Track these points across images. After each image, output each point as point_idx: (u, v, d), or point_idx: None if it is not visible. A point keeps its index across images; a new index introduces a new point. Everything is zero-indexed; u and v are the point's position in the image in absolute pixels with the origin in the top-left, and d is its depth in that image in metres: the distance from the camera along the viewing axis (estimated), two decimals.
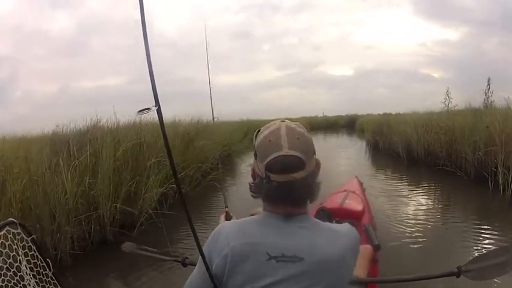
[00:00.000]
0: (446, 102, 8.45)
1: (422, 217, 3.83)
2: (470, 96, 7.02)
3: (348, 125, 23.89)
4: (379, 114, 15.92)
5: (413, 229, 3.41)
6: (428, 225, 3.57)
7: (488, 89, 7.51)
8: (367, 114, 19.64)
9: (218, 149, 7.74)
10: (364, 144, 11.80)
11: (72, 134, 4.41)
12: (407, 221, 3.67)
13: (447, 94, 8.49)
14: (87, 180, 3.48)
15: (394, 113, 12.54)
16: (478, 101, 6.98)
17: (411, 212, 4.05)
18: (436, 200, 4.80)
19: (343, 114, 28.68)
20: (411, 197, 4.85)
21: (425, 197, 4.88)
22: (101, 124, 4.89)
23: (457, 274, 1.01)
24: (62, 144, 3.98)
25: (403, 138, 7.69)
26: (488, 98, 7.47)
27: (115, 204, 3.59)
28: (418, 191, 5.14)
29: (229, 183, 6.47)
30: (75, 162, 3.57)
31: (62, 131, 4.66)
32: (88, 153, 3.78)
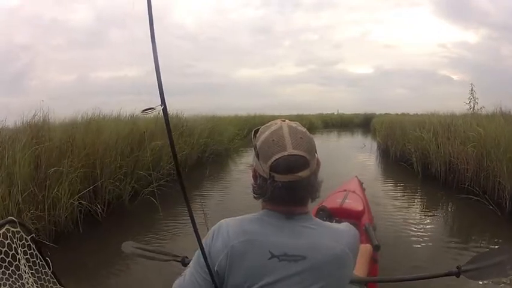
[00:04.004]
0: (472, 104, 6.80)
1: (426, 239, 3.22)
2: (499, 100, 5.56)
3: (363, 124, 22.47)
4: (397, 114, 14.89)
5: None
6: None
7: None
8: (385, 114, 18.74)
9: (192, 151, 6.59)
10: (375, 147, 10.24)
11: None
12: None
13: (472, 93, 6.84)
14: None
15: (412, 113, 11.01)
16: (508, 106, 5.56)
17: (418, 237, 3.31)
18: (452, 232, 3.57)
19: (361, 112, 26.95)
20: (421, 220, 3.88)
21: (438, 223, 3.81)
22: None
23: (457, 274, 1.01)
24: None
25: (419, 146, 6.17)
26: None
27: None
28: (430, 214, 4.11)
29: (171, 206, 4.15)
30: None
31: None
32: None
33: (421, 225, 3.65)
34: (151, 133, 5.26)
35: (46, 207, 3.37)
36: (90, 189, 3.94)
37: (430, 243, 3.18)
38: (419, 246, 3.11)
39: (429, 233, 3.44)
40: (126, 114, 6.04)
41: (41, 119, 4.14)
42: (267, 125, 0.73)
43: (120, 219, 4.02)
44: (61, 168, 3.52)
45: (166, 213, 3.98)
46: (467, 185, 4.27)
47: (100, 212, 3.80)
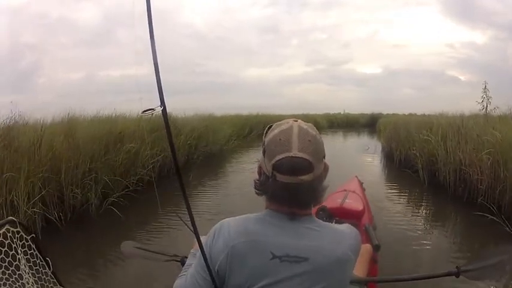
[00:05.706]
0: (484, 103, 6.19)
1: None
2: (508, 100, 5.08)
3: (369, 124, 21.79)
4: (405, 115, 14.46)
5: None
6: None
7: None
8: (393, 114, 18.10)
9: (178, 152, 6.14)
10: (380, 149, 9.63)
11: None
12: None
13: (485, 92, 6.22)
14: None
15: (419, 114, 10.42)
16: None
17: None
18: (458, 249, 3.12)
19: (368, 112, 26.26)
20: (425, 233, 3.46)
21: (442, 237, 3.34)
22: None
23: (457, 274, 1.00)
24: None
25: (425, 151, 5.61)
26: None
27: None
28: (435, 228, 3.62)
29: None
30: None
31: None
32: None
33: (425, 239, 3.21)
34: (130, 134, 4.84)
35: (4, 213, 3.09)
36: (55, 195, 3.61)
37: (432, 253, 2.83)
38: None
39: (432, 244, 3.06)
40: (109, 113, 5.68)
41: (14, 119, 3.88)
42: (279, 122, 0.71)
43: (86, 227, 3.65)
44: (15, 174, 3.20)
45: (137, 220, 3.68)
46: (481, 200, 3.71)
47: (63, 220, 3.46)
